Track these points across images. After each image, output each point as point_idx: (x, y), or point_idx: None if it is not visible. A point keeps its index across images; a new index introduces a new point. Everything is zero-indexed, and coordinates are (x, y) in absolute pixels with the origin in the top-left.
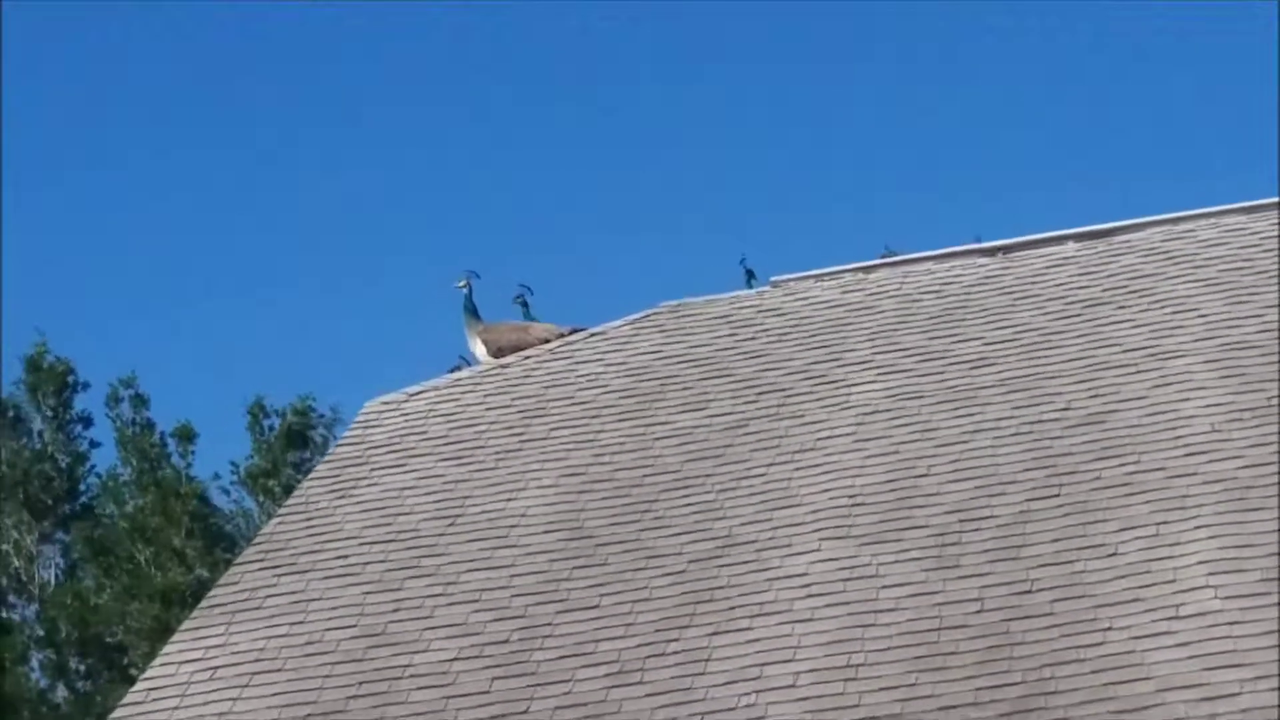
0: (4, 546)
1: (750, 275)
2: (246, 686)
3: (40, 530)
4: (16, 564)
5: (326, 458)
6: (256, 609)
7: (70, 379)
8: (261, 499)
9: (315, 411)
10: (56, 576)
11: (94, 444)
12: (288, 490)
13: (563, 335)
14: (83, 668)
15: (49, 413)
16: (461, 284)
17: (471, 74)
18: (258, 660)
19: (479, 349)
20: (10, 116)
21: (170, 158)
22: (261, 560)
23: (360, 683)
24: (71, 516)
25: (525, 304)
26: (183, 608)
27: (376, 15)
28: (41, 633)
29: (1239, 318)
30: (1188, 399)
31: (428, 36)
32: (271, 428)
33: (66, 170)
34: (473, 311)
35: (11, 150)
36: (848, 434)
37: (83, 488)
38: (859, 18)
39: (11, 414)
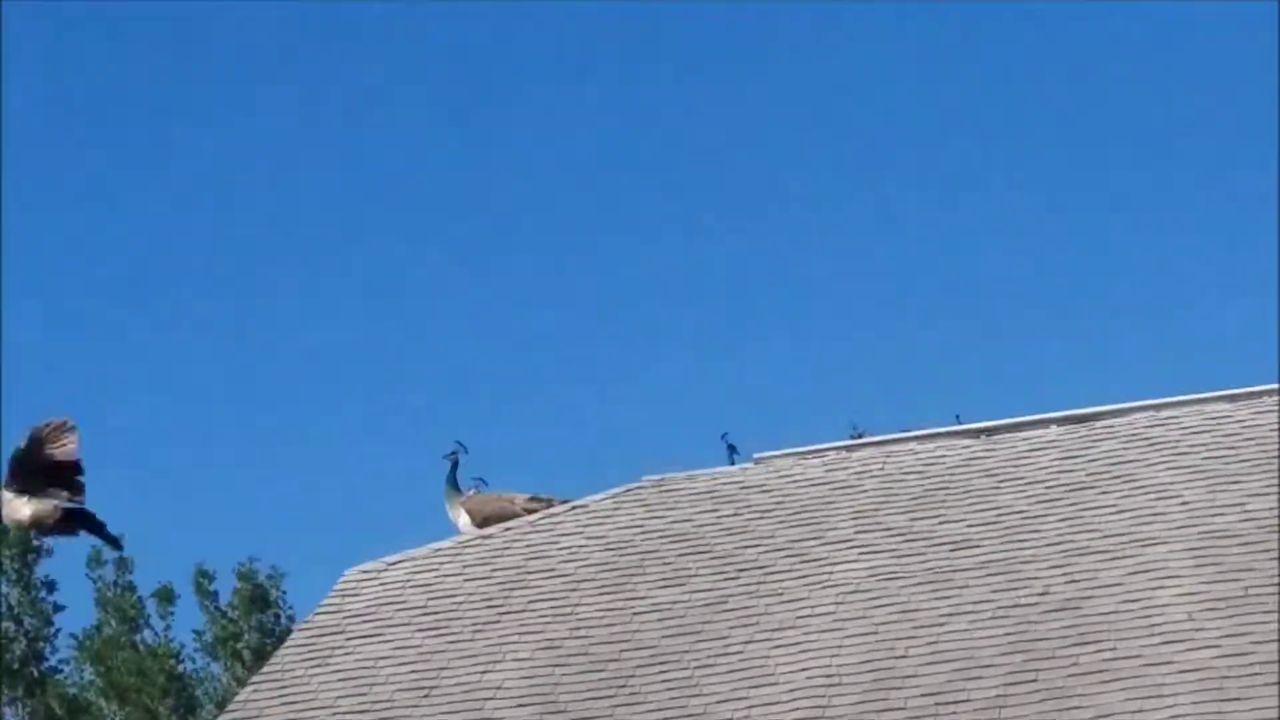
0: None
1: (732, 450)
2: None
3: (8, 692)
4: None
5: (301, 625)
6: None
7: (33, 544)
8: (229, 662)
9: (258, 575)
10: None
11: (59, 607)
12: (255, 653)
13: (546, 506)
14: None
15: (13, 575)
16: (449, 456)
17: (456, 222)
18: None
19: (461, 519)
20: None
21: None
22: None
23: None
24: (38, 679)
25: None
26: None
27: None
28: None
29: (1220, 506)
30: (1163, 586)
31: (405, 181)
32: (216, 592)
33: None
34: (455, 483)
35: None
36: (827, 613)
37: (49, 651)
38: (839, 186)
39: None
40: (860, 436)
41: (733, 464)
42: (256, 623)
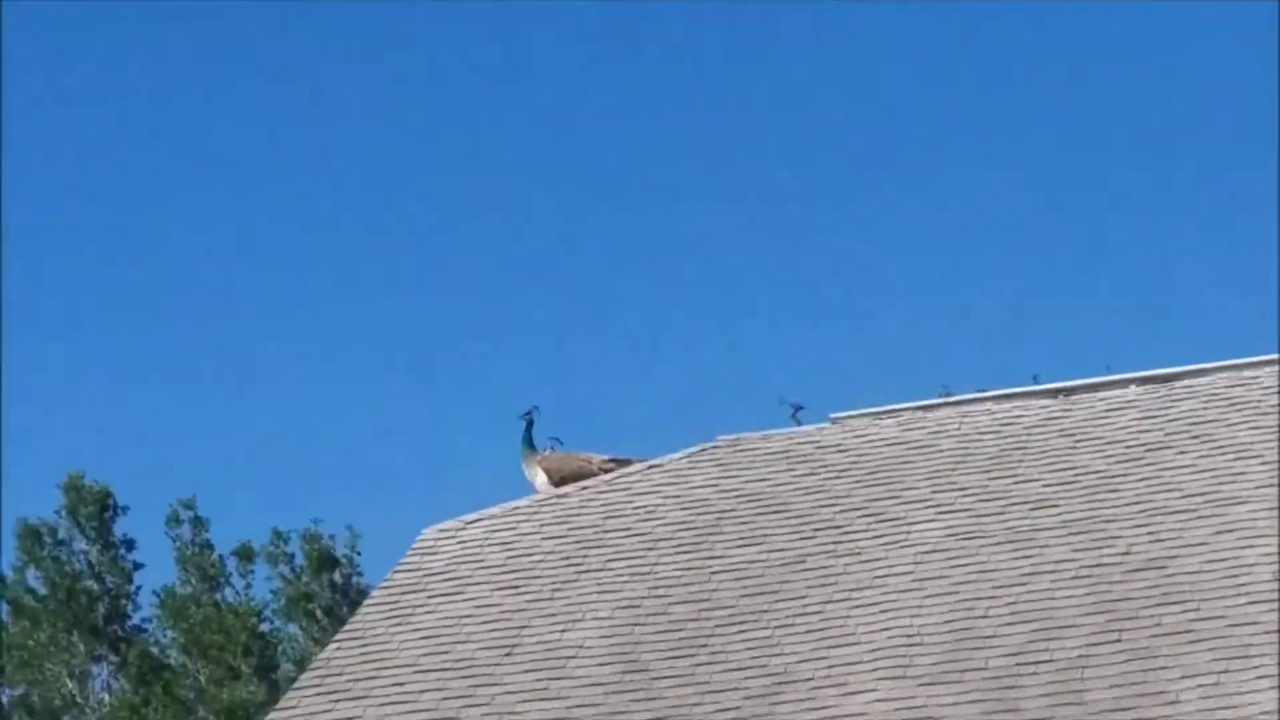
0: (55, 667)
1: (797, 410)
2: None
3: (91, 651)
4: (69, 685)
5: (383, 584)
6: None
7: (110, 502)
8: (304, 622)
9: (323, 537)
10: (108, 696)
11: (139, 565)
12: (328, 613)
13: (623, 465)
14: None
15: (92, 535)
16: (525, 416)
17: (523, 191)
18: None
19: (539, 478)
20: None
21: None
22: (319, 685)
23: None
24: (120, 637)
25: (531, 423)
26: None
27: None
28: None
29: None
30: (1250, 546)
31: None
32: (292, 554)
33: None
34: (531, 443)
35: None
36: (906, 573)
37: (131, 609)
38: (923, 150)
39: (52, 539)
40: (949, 396)
41: (797, 425)
42: (327, 583)
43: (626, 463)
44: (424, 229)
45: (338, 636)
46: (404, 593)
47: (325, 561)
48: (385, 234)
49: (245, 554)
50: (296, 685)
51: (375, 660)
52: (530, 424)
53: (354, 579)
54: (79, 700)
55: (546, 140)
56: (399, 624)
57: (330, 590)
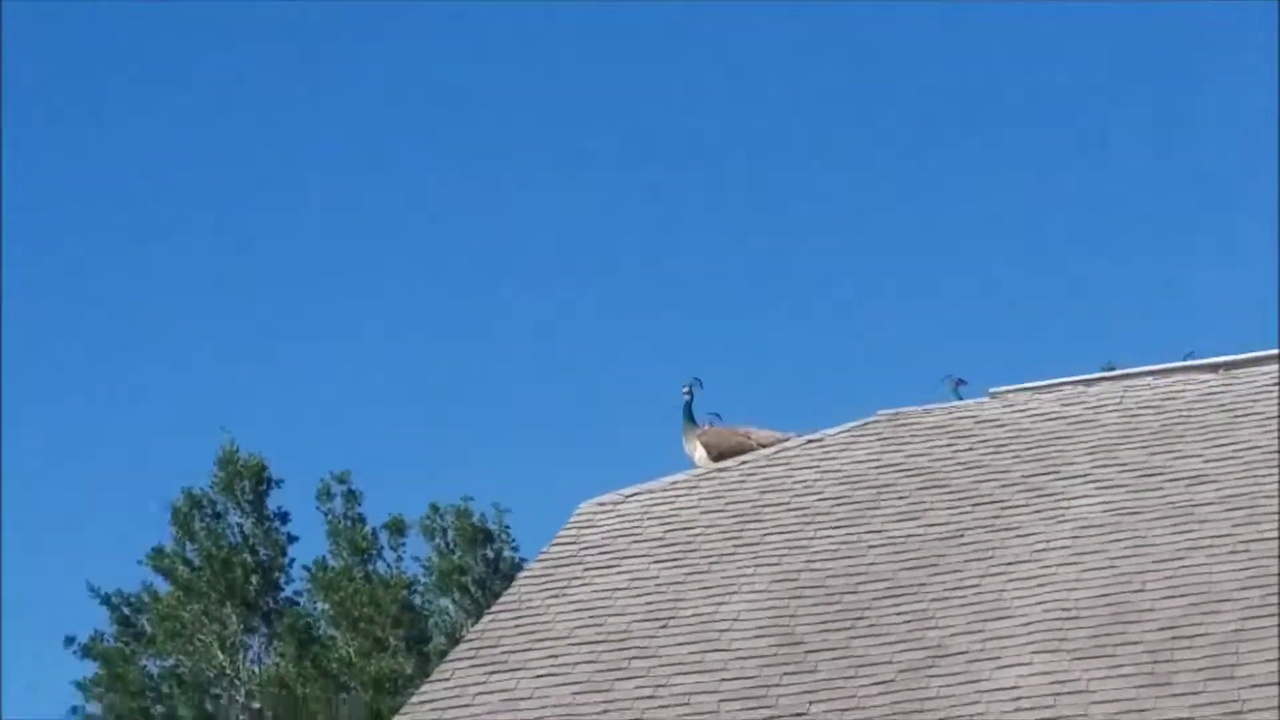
0: (206, 639)
1: (959, 384)
2: None
3: (244, 622)
4: (221, 656)
5: (539, 556)
6: (466, 705)
7: (265, 475)
8: (457, 595)
9: (474, 513)
10: (260, 668)
11: (292, 538)
12: (480, 586)
13: (782, 441)
14: None
15: (247, 508)
16: (685, 390)
17: (662, 168)
18: None
19: (698, 453)
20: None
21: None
22: (473, 657)
23: None
24: (274, 609)
25: (691, 398)
26: (394, 695)
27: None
28: None
29: None
30: None
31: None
32: (446, 529)
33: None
34: (691, 417)
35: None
36: (1064, 547)
37: (284, 580)
38: (1068, 130)
39: (209, 509)
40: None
41: (958, 399)
42: (480, 558)
43: (786, 439)
44: (573, 203)
45: (493, 609)
46: (560, 565)
47: (478, 536)
48: (541, 210)
49: (397, 527)
50: (450, 657)
51: (530, 632)
52: (691, 398)
53: (504, 553)
54: (228, 672)
55: (684, 111)
56: (555, 596)
57: (483, 565)
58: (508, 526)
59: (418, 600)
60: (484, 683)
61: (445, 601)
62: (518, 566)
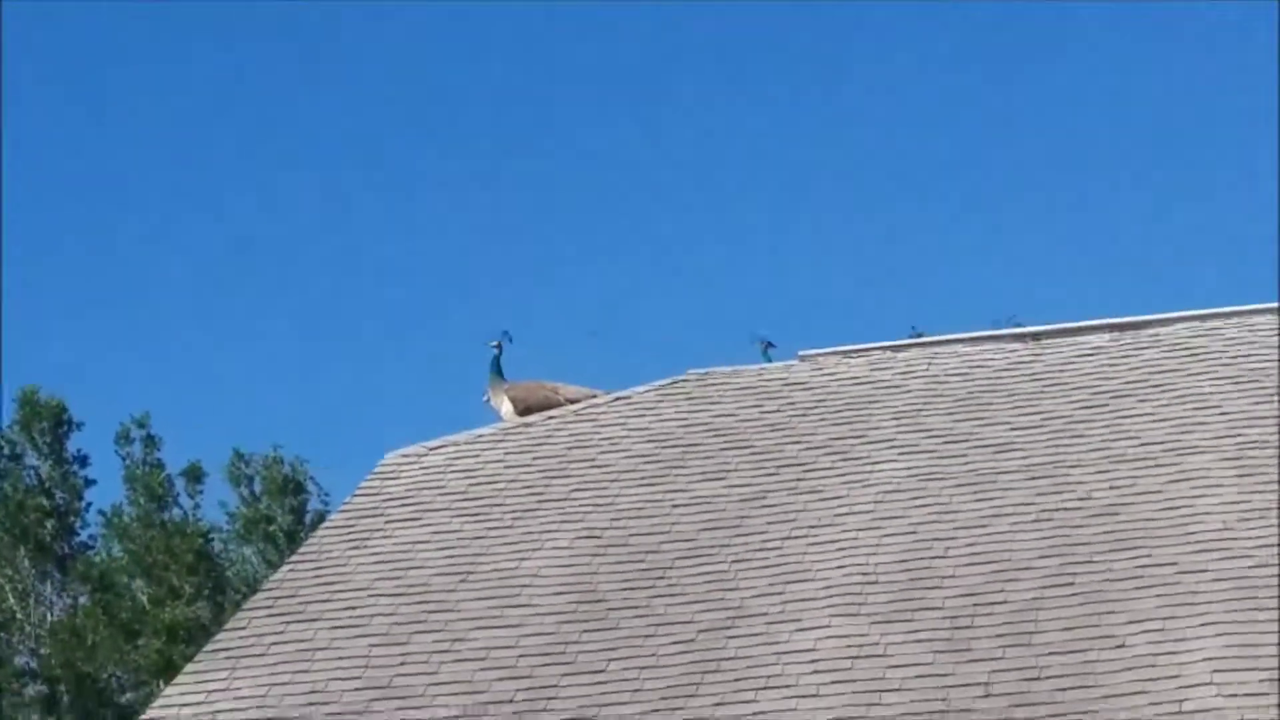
0: None
1: (767, 347)
2: None
3: (37, 567)
4: (11, 601)
5: (341, 507)
6: (261, 655)
7: (65, 417)
8: (261, 545)
9: (284, 461)
10: (53, 614)
11: (90, 482)
12: (288, 536)
13: (589, 398)
14: (77, 706)
15: (45, 449)
16: (494, 345)
17: (494, 142)
18: (260, 707)
19: (504, 406)
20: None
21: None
22: (270, 606)
23: None
24: (69, 555)
25: (499, 352)
26: (188, 644)
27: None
28: (36, 669)
29: (1260, 417)
30: (1202, 495)
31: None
32: (252, 477)
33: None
34: (499, 371)
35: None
36: (866, 511)
37: (80, 525)
38: (895, 98)
39: (6, 451)
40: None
41: (767, 362)
42: (288, 507)
43: (594, 395)
44: (400, 152)
45: (292, 559)
46: (362, 516)
47: (287, 485)
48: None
49: (194, 474)
50: (247, 606)
51: (329, 583)
52: (500, 352)
53: (311, 504)
54: (19, 617)
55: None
56: (355, 548)
57: (291, 515)
58: (312, 477)
59: (219, 548)
60: (280, 632)
61: (248, 551)
62: (324, 518)
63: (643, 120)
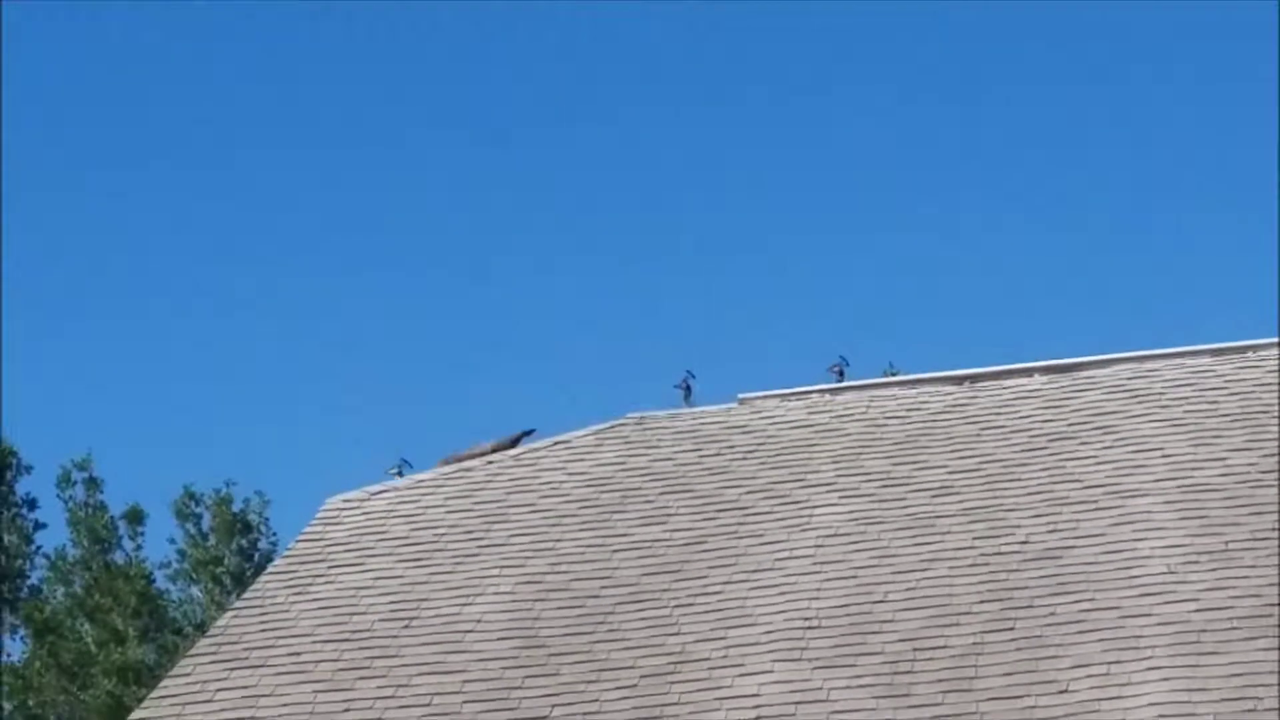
0: None
1: (688, 383)
2: None
3: None
4: None
5: (284, 553)
6: (207, 702)
7: (13, 460)
8: (208, 586)
9: (234, 501)
10: (2, 659)
11: (40, 525)
12: (235, 578)
13: (515, 441)
14: None
15: None
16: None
17: (448, 180)
18: None
19: None
20: None
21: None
22: (214, 653)
23: None
24: (14, 598)
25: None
26: (139, 686)
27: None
28: None
29: (1201, 460)
30: (1145, 539)
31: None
32: (200, 515)
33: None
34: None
35: None
36: (807, 555)
37: (30, 569)
38: (826, 148)
39: None
40: (843, 369)
41: (688, 405)
42: (237, 548)
43: (516, 440)
44: (355, 197)
45: (236, 605)
46: (305, 562)
47: (236, 525)
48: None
49: (134, 516)
50: (191, 652)
51: (273, 629)
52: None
53: (260, 545)
54: None
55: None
56: (298, 594)
57: (239, 555)
58: (267, 518)
59: (163, 587)
60: (225, 679)
61: (196, 590)
62: (271, 559)
63: (592, 149)
